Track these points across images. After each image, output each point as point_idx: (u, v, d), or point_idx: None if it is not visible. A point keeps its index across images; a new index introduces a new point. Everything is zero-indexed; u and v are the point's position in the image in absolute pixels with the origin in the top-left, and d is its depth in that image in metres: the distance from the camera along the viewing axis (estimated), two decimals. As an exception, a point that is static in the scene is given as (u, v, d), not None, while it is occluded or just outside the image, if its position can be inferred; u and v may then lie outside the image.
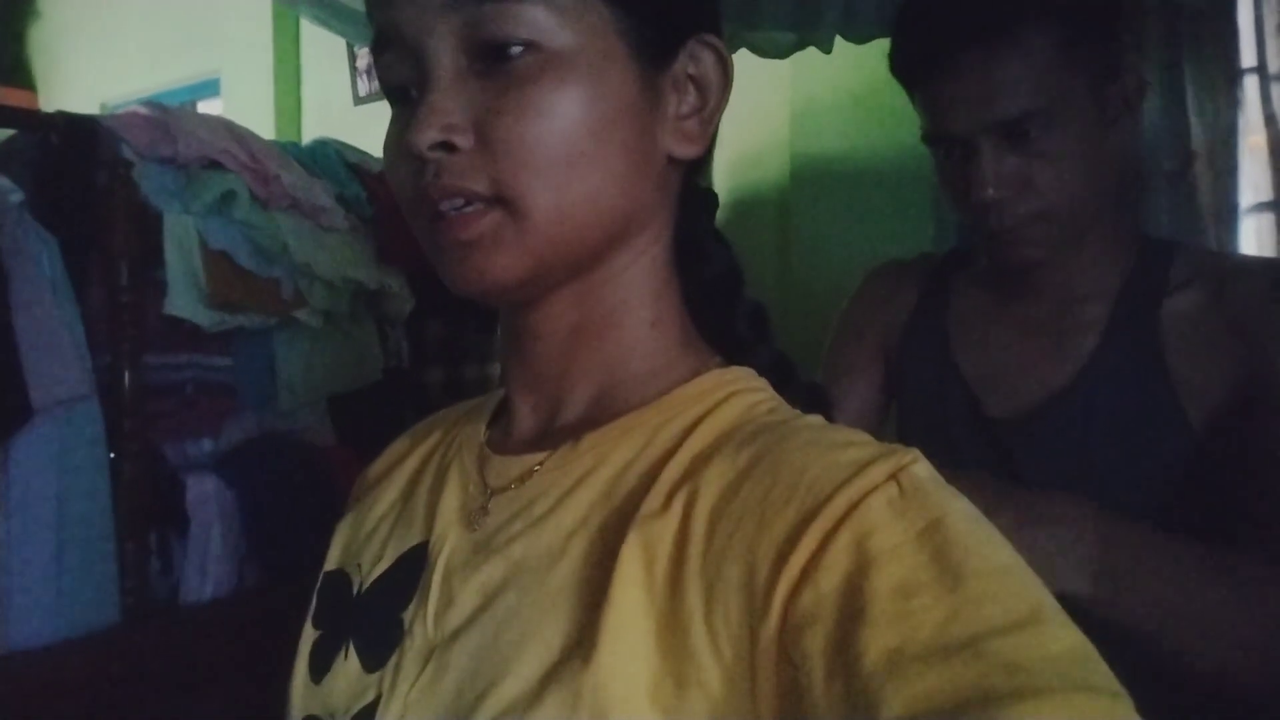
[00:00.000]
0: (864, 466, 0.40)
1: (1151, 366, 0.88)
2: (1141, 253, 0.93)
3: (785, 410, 0.50)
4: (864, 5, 1.58)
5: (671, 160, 0.51)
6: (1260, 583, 0.74)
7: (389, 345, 1.86)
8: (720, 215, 0.59)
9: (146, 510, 1.45)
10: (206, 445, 1.60)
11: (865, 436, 0.45)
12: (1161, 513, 0.85)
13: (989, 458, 0.95)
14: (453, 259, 0.47)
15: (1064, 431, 0.91)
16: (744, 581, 0.39)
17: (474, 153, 0.45)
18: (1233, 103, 1.67)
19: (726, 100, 0.52)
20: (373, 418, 1.74)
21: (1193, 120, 1.69)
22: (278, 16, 3.29)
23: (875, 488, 0.40)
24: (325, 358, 1.71)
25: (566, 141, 0.45)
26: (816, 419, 0.48)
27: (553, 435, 0.53)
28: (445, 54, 0.46)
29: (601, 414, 0.52)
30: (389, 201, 1.79)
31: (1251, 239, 1.66)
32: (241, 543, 1.56)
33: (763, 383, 0.53)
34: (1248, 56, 1.66)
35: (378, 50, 0.49)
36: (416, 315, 1.86)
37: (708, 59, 0.51)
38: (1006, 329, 0.99)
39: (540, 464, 0.51)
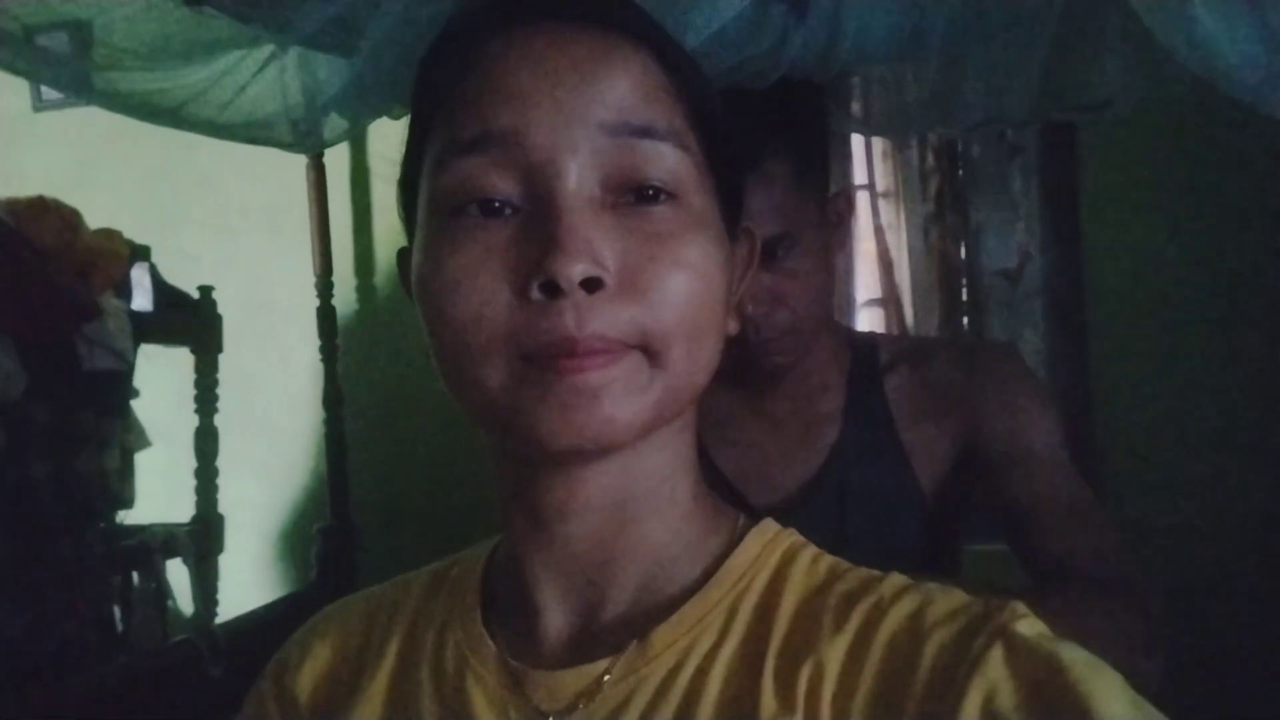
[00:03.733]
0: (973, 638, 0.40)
1: (887, 442, 1.01)
2: (852, 345, 1.07)
3: (842, 563, 0.50)
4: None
5: None
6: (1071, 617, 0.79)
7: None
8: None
9: None
10: None
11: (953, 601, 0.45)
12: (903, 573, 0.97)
13: None
14: (572, 404, 0.40)
15: (821, 514, 1.01)
16: None
17: (617, 294, 0.41)
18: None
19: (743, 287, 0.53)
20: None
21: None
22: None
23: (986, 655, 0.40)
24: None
25: (704, 300, 0.44)
26: (898, 578, 0.48)
27: (601, 635, 0.47)
28: (587, 178, 0.42)
29: (651, 602, 0.47)
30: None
31: (865, 326, 1.97)
32: None
33: (790, 530, 0.52)
34: (860, 175, 1.98)
35: (471, 148, 0.42)
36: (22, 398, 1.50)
37: (746, 245, 0.53)
38: (757, 426, 1.07)
39: (607, 673, 0.45)
